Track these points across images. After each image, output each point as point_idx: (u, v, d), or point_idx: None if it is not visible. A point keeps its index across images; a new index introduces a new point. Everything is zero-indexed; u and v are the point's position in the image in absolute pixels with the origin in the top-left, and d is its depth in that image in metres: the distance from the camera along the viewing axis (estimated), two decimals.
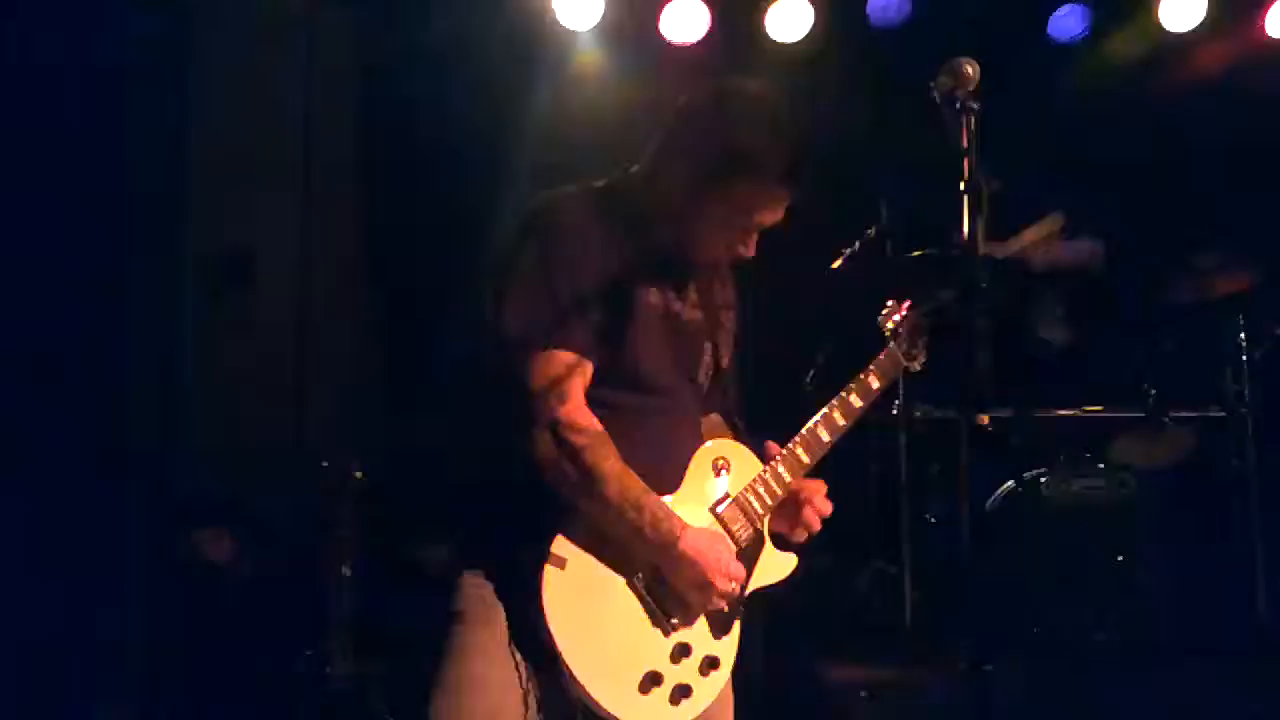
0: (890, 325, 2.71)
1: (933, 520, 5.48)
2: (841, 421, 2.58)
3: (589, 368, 2.30)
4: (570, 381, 2.25)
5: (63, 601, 4.69)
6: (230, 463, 5.26)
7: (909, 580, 4.79)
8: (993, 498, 4.97)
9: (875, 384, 2.65)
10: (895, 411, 4.82)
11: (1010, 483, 4.93)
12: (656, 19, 5.82)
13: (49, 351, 4.76)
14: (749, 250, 2.46)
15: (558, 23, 5.73)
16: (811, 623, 5.16)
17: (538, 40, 5.85)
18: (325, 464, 4.21)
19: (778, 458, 2.51)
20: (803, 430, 2.54)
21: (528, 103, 5.82)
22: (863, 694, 4.30)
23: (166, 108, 5.50)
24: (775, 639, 4.60)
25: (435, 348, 5.33)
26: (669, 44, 5.85)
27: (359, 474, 4.19)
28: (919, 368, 2.74)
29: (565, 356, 2.25)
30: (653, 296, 2.42)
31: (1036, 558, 4.77)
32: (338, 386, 5.68)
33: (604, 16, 5.73)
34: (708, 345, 2.54)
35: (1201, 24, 5.93)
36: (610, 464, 2.24)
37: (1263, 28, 5.98)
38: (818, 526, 2.57)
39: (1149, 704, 4.36)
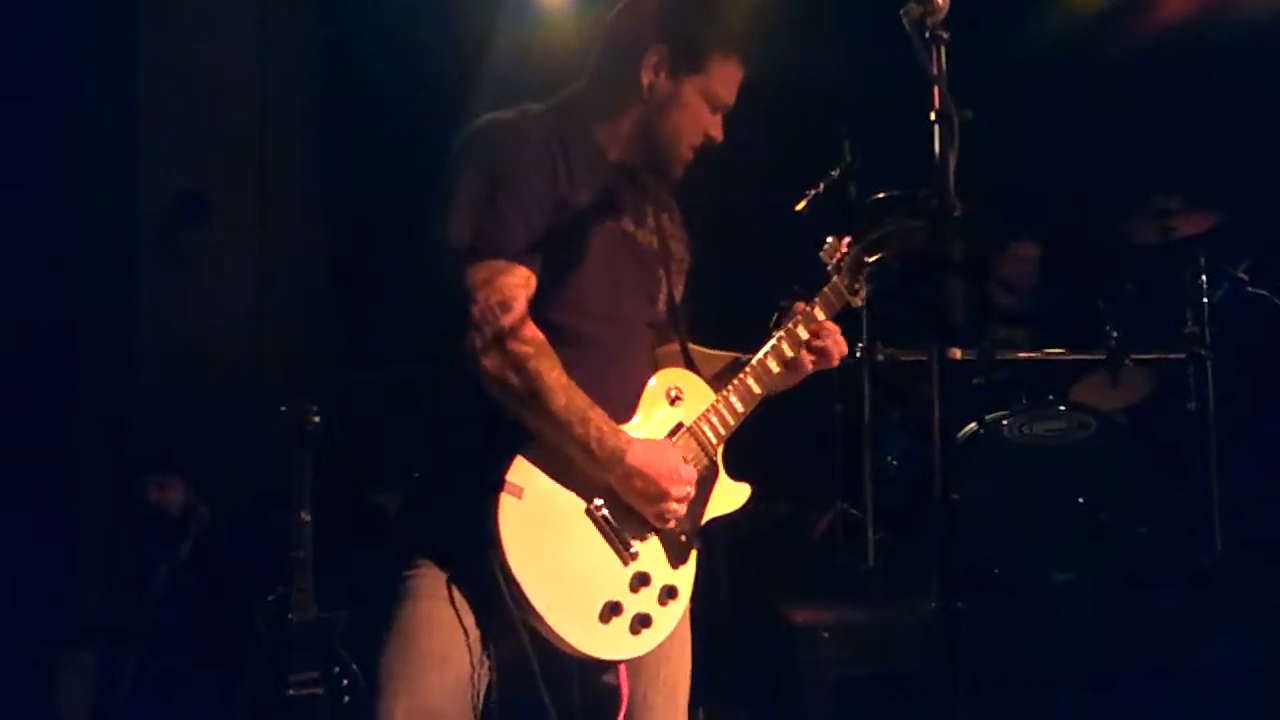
0: (833, 260, 2.72)
1: (894, 463, 5.51)
2: (789, 353, 2.59)
3: (534, 280, 2.27)
4: (514, 292, 2.22)
5: (19, 552, 4.65)
6: (186, 408, 5.20)
7: (871, 523, 4.80)
8: (955, 439, 4.97)
9: (820, 316, 2.66)
10: (859, 354, 4.80)
11: (972, 425, 4.94)
12: None
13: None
14: (719, 133, 2.48)
15: None
16: (775, 565, 5.19)
17: None
18: (283, 408, 4.16)
19: (729, 387, 2.52)
20: (752, 360, 2.56)
21: (485, 37, 5.72)
22: (825, 635, 4.31)
23: (119, 44, 5.40)
24: (739, 582, 4.62)
25: (392, 289, 5.27)
26: None
27: (316, 418, 4.14)
28: (860, 302, 2.77)
29: (509, 267, 2.23)
30: (610, 219, 2.41)
31: (999, 499, 4.78)
32: (295, 330, 5.62)
33: None
34: (662, 273, 2.54)
35: None
36: (555, 375, 2.22)
37: None
38: (836, 360, 2.62)
39: (1109, 642, 4.42)
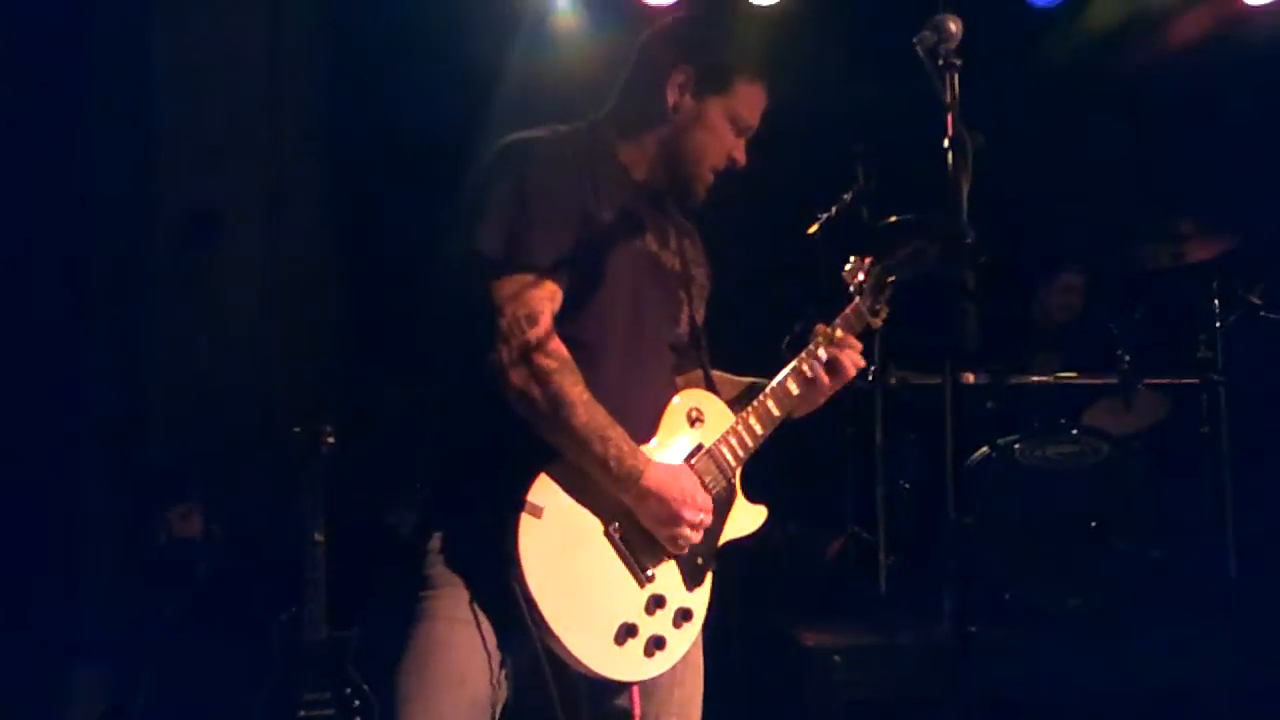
0: (855, 281, 2.72)
1: (907, 486, 5.50)
2: (809, 374, 2.59)
3: (560, 296, 2.28)
4: (541, 306, 2.23)
5: (29, 573, 4.66)
6: (200, 430, 5.21)
7: (883, 546, 4.80)
8: (967, 463, 4.97)
9: (842, 337, 2.66)
10: (871, 377, 4.80)
11: (984, 448, 4.93)
12: None
13: (7, 325, 4.71)
14: (742, 156, 2.51)
15: None
16: (787, 588, 5.18)
17: (511, 2, 5.78)
18: (296, 429, 4.17)
19: (749, 409, 2.52)
20: (772, 383, 2.57)
21: (501, 65, 5.75)
22: (836, 659, 4.30)
23: (132, 74, 5.43)
24: (750, 604, 4.61)
25: (405, 308, 5.29)
26: (646, 5, 5.80)
27: (330, 439, 4.15)
28: (880, 324, 2.76)
29: (537, 281, 2.24)
30: (636, 239, 2.43)
31: (1010, 523, 4.77)
32: (308, 351, 5.63)
33: None
34: (684, 295, 2.55)
35: None
36: (578, 391, 2.22)
37: None
38: (853, 373, 2.62)
39: (1122, 668, 4.40)
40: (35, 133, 4.91)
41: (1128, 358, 5.07)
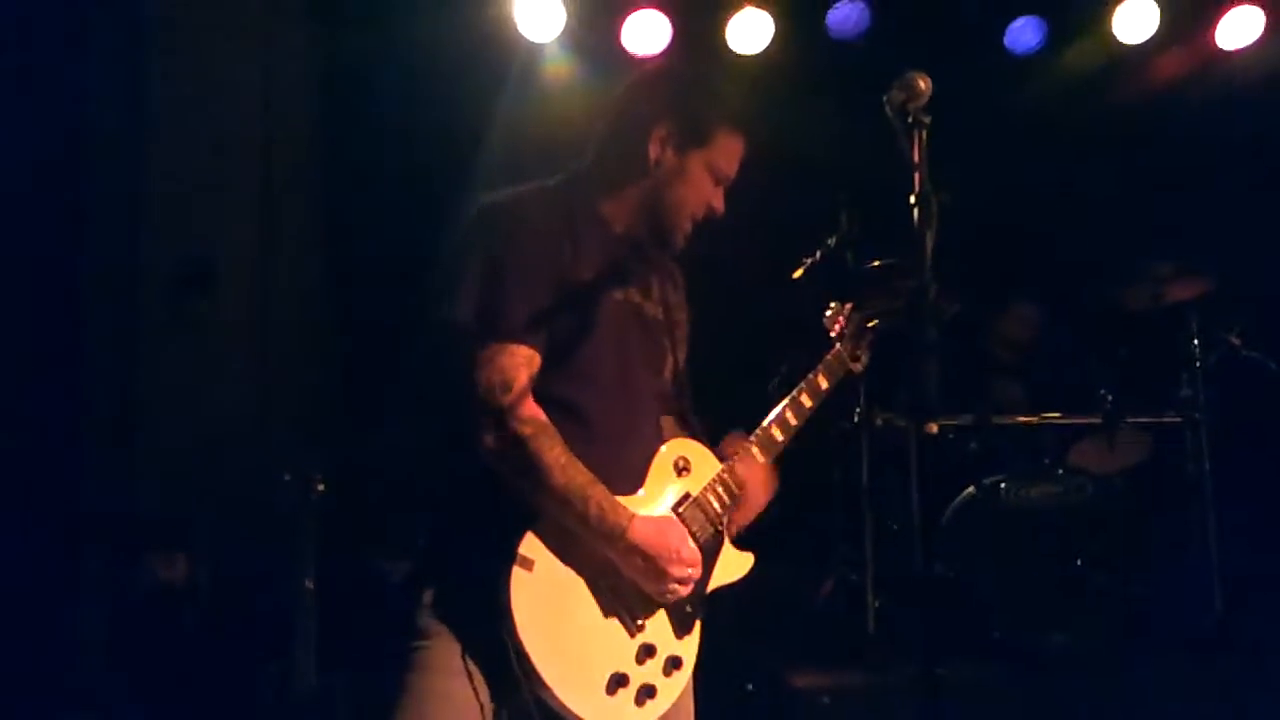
0: (835, 328, 2.78)
1: (895, 528, 5.52)
2: (794, 421, 2.64)
3: (537, 359, 2.32)
4: (515, 373, 2.27)
5: (23, 624, 4.65)
6: (190, 477, 5.23)
7: (871, 587, 4.82)
8: (952, 504, 5.01)
9: (824, 384, 2.72)
10: (856, 419, 4.84)
11: (969, 488, 4.97)
12: (618, 31, 5.86)
13: (4, 368, 4.73)
14: (721, 205, 2.55)
15: (520, 34, 5.75)
16: (776, 630, 5.20)
17: (499, 52, 5.86)
18: (287, 477, 4.20)
19: (735, 457, 2.56)
20: (757, 430, 2.61)
21: (490, 115, 5.82)
22: (825, 700, 4.32)
23: (125, 119, 5.47)
24: (740, 646, 4.63)
25: (396, 357, 5.32)
26: (631, 56, 5.88)
27: (321, 486, 4.17)
28: (861, 369, 2.81)
29: (511, 348, 2.28)
30: (618, 292, 2.46)
31: (996, 562, 4.81)
32: (299, 399, 5.66)
33: (565, 28, 5.75)
34: (667, 343, 2.58)
35: (1154, 36, 6.04)
36: (554, 454, 2.26)
37: (1213, 40, 6.10)
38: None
39: (1107, 706, 4.41)
40: (29, 175, 4.95)
41: (1110, 397, 5.12)
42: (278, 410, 5.51)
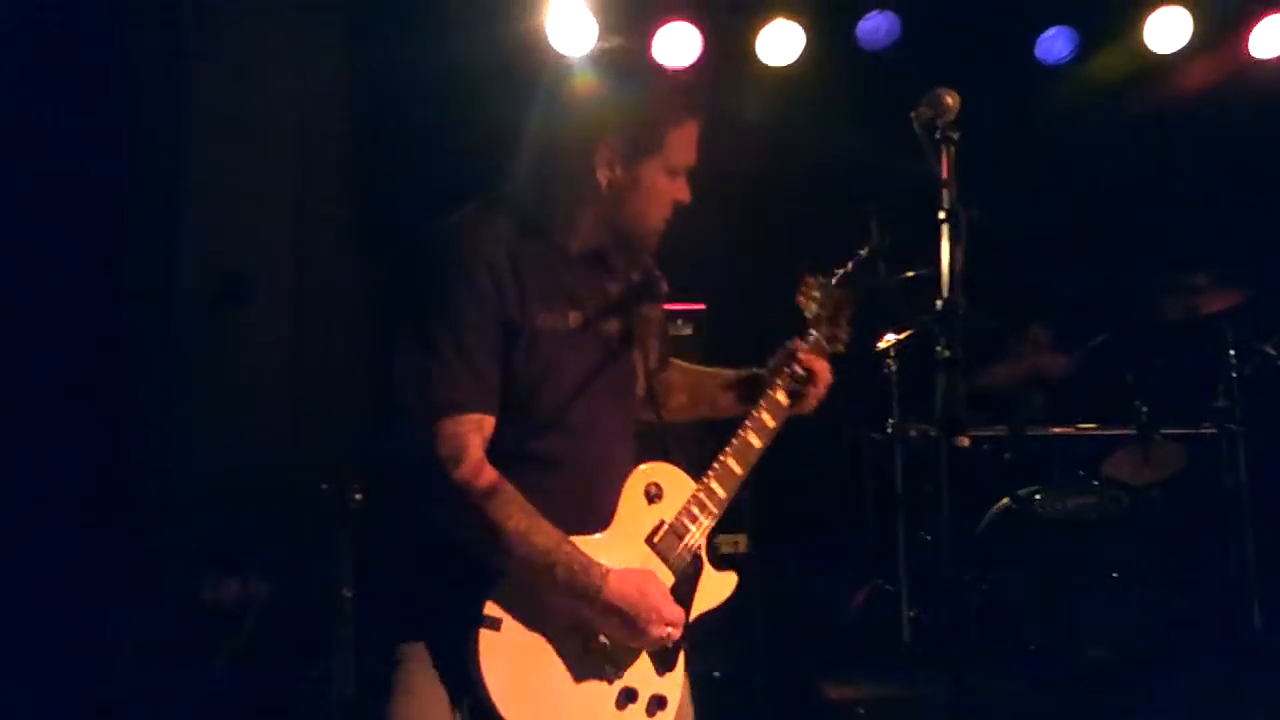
0: (809, 311, 2.61)
1: (929, 538, 5.52)
2: (771, 423, 2.48)
3: (487, 422, 2.20)
4: (462, 442, 2.15)
5: (57, 634, 4.70)
6: (228, 488, 5.28)
7: (906, 597, 4.82)
8: (987, 515, 5.00)
9: (769, 422, 2.50)
10: (890, 430, 4.85)
11: (1005, 500, 4.96)
12: (649, 43, 5.89)
13: (44, 384, 4.79)
14: (686, 195, 2.37)
15: (552, 48, 5.79)
16: (810, 641, 5.20)
17: (531, 66, 5.89)
18: (324, 486, 4.23)
19: (710, 473, 2.40)
20: (732, 440, 2.44)
21: (523, 126, 5.84)
22: (860, 712, 4.32)
23: (163, 137, 5.55)
24: (774, 658, 4.64)
25: None
26: (664, 67, 5.90)
27: (359, 496, 4.20)
28: (843, 349, 2.65)
29: (455, 419, 2.17)
30: (571, 319, 2.31)
31: (1031, 574, 4.79)
32: (336, 409, 5.71)
33: (597, 41, 5.76)
34: (637, 354, 2.44)
35: (1187, 45, 6.01)
36: (514, 522, 2.14)
37: (1247, 49, 6.06)
38: (814, 403, 2.54)
39: (1146, 718, 4.39)
40: (69, 199, 5.02)
41: (1145, 408, 5.10)
42: (315, 422, 5.56)
